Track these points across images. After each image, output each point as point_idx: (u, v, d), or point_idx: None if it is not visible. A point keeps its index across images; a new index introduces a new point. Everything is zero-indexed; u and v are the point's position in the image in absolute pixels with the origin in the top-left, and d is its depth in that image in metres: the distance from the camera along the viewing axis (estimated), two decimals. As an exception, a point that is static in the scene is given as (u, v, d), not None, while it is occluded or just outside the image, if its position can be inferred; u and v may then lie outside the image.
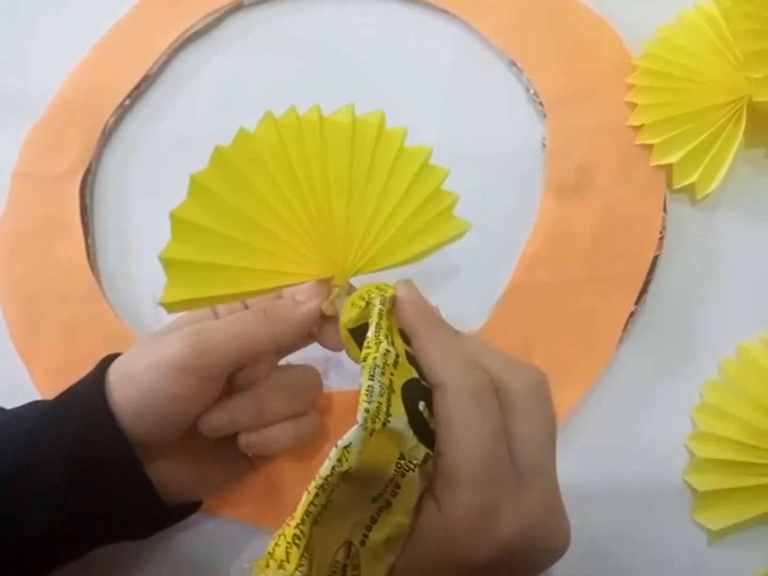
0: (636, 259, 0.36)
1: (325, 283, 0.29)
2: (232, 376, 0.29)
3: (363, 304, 0.27)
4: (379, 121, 0.29)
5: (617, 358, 0.36)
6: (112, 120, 0.43)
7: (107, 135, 0.44)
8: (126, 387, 0.27)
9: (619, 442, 0.35)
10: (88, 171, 0.42)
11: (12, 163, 0.43)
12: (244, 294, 0.29)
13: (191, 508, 0.31)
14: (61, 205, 0.41)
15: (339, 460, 0.21)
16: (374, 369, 0.23)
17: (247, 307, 0.32)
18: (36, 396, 0.37)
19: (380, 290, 0.27)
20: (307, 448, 0.33)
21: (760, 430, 0.32)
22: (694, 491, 0.33)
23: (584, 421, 0.35)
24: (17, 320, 0.39)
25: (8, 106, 0.46)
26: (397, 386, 0.23)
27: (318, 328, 0.30)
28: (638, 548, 0.33)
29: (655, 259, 0.36)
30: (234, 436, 0.29)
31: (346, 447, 0.21)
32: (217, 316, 0.31)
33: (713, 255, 0.37)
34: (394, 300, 0.27)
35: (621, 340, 0.35)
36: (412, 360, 0.25)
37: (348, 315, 0.27)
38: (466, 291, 0.38)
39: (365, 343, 0.24)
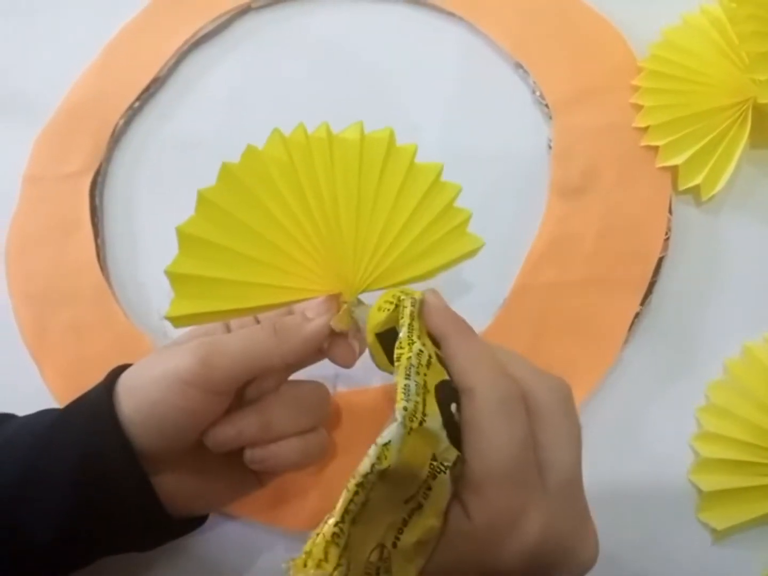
0: (641, 261, 0.36)
1: (334, 299, 0.29)
2: (241, 391, 0.29)
3: (390, 307, 0.27)
4: (389, 138, 0.29)
5: (622, 359, 0.36)
6: (121, 122, 0.44)
7: (117, 137, 0.44)
8: (133, 398, 0.27)
9: (624, 442, 0.35)
10: (98, 172, 0.43)
11: (16, 163, 0.43)
12: (251, 309, 0.28)
13: (197, 521, 0.31)
14: (71, 205, 0.42)
15: (378, 457, 0.20)
16: (410, 368, 0.22)
17: (258, 322, 0.31)
18: (46, 395, 0.38)
19: (407, 294, 0.27)
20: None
21: (764, 430, 0.33)
22: (699, 491, 0.33)
23: (589, 421, 0.35)
24: (28, 320, 0.40)
25: (9, 107, 0.46)
26: (431, 387, 0.23)
27: (328, 344, 0.30)
28: (643, 547, 0.33)
29: (661, 260, 0.36)
30: (242, 451, 0.29)
31: (385, 444, 0.21)
32: (228, 330, 0.31)
33: (718, 256, 0.38)
34: (422, 303, 0.27)
35: (626, 341, 0.36)
36: (442, 363, 0.25)
37: (375, 319, 0.27)
38: (471, 292, 0.38)
39: (398, 343, 0.24)
